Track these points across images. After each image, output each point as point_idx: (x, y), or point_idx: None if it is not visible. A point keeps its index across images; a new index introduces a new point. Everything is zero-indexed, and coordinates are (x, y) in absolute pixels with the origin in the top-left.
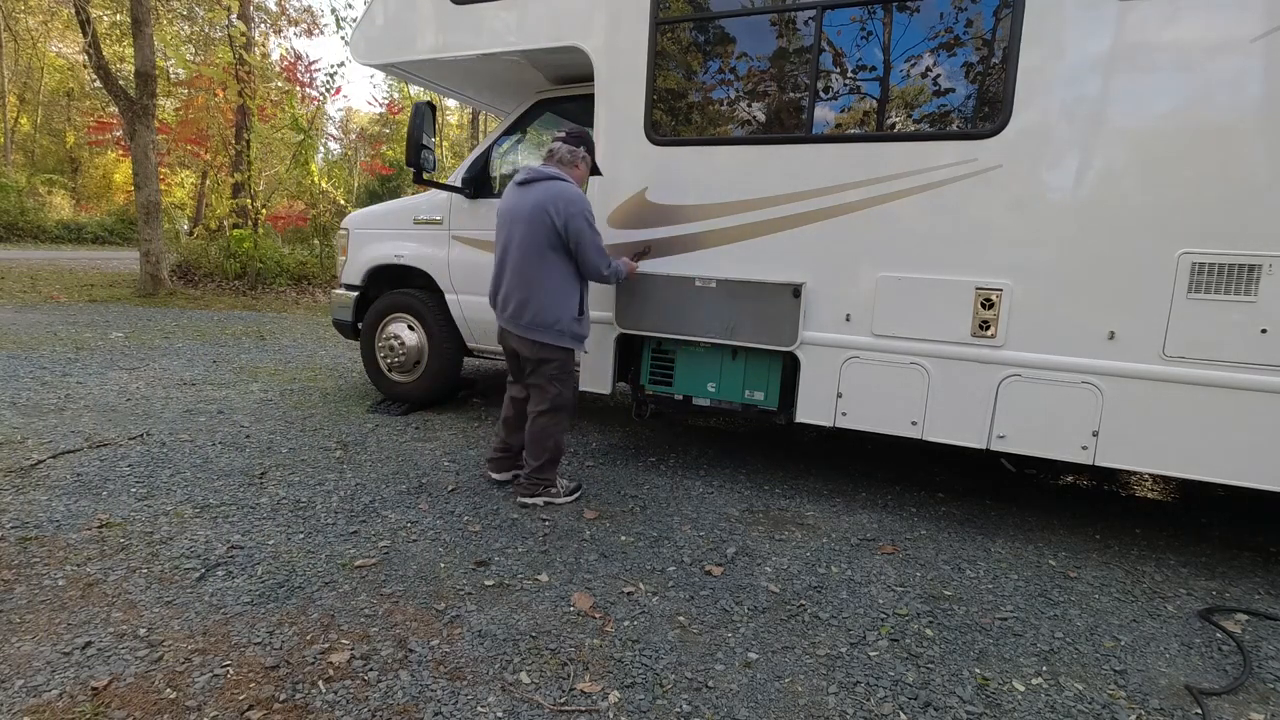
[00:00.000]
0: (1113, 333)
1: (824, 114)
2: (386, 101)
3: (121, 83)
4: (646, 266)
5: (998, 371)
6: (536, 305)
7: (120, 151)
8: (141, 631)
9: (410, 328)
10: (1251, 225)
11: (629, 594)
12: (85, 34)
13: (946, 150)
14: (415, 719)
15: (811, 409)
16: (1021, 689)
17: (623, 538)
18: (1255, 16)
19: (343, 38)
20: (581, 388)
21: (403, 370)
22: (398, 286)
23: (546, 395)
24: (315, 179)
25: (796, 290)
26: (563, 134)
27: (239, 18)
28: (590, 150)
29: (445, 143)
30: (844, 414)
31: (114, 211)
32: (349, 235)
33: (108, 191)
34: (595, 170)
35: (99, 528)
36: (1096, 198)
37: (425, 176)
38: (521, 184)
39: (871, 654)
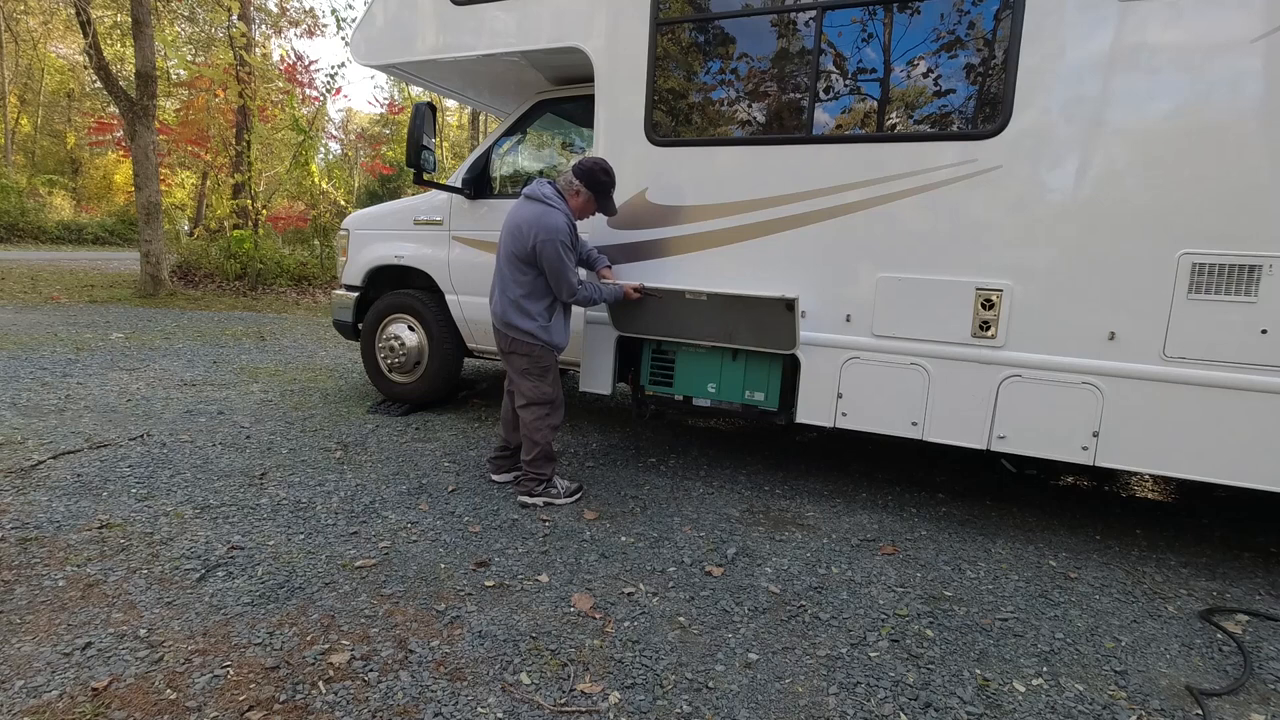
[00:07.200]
0: (1113, 333)
1: (824, 115)
2: (387, 101)
3: (122, 83)
4: (646, 276)
5: (998, 372)
6: (505, 305)
7: (121, 152)
8: (142, 632)
9: (410, 328)
10: (1251, 225)
11: (629, 595)
12: (86, 35)
13: (947, 151)
14: None
15: (812, 410)
16: (1022, 690)
17: (623, 538)
18: (1255, 17)
19: (343, 38)
20: (582, 388)
21: (403, 371)
22: (398, 287)
23: (522, 391)
24: (315, 179)
25: (790, 304)
26: (579, 161)
27: (240, 19)
28: (595, 188)
29: (445, 143)
30: (844, 414)
31: (114, 212)
32: (349, 236)
33: (108, 192)
34: (608, 209)
35: (99, 528)
36: (1097, 198)
37: (425, 177)
38: (526, 197)
39: (872, 655)
